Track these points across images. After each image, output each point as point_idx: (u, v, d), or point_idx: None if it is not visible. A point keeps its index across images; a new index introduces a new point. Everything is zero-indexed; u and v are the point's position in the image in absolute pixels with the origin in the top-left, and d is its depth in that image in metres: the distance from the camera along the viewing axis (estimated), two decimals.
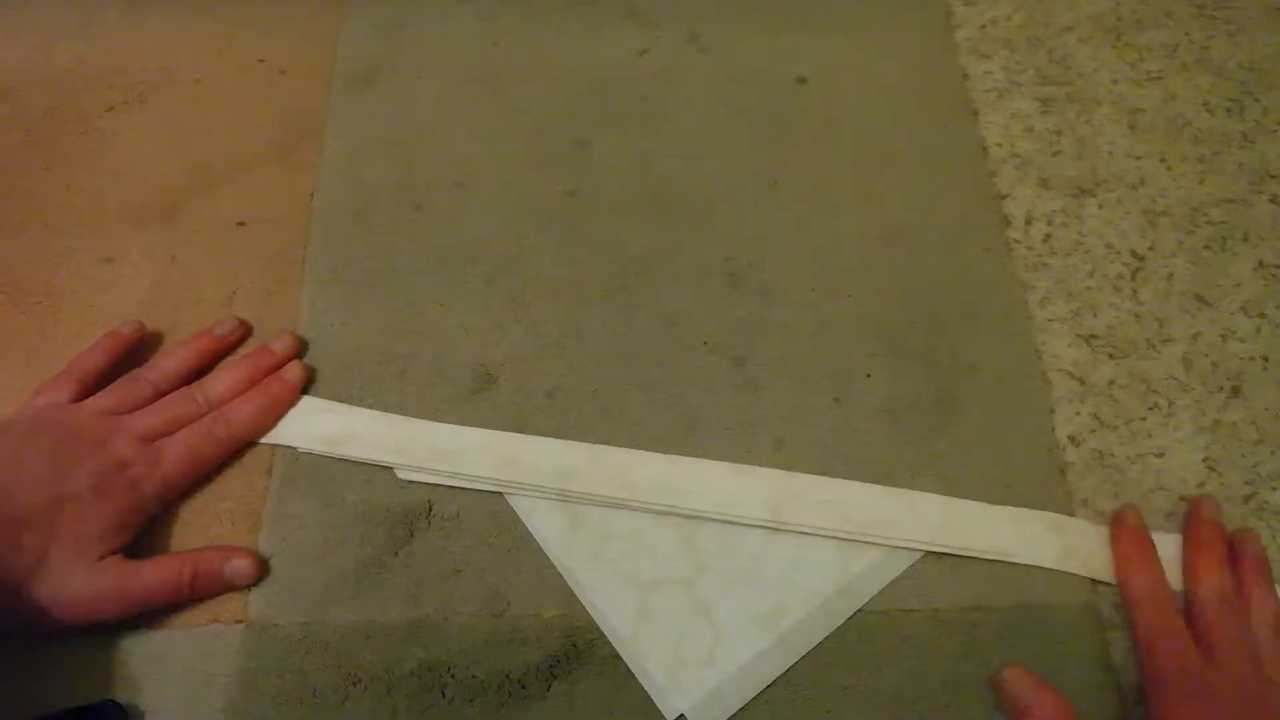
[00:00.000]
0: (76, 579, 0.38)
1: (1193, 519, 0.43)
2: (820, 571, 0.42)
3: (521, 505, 0.44)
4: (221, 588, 0.42)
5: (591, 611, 0.42)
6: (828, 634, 0.41)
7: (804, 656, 0.41)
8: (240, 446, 0.45)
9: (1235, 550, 0.42)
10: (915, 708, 0.40)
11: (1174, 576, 0.42)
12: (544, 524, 0.44)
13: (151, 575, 0.40)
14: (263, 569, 0.42)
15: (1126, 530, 0.43)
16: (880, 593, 0.42)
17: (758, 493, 0.44)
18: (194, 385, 0.45)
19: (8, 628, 0.38)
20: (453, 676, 0.41)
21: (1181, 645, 0.40)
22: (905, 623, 0.42)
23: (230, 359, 0.48)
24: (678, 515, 0.44)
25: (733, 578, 0.42)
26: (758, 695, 0.40)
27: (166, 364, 0.46)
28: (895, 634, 0.42)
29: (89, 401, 0.44)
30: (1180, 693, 0.38)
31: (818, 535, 0.43)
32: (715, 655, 0.41)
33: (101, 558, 0.39)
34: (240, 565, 0.41)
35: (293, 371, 0.46)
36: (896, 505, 0.44)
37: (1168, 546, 0.43)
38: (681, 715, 0.40)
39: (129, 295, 0.51)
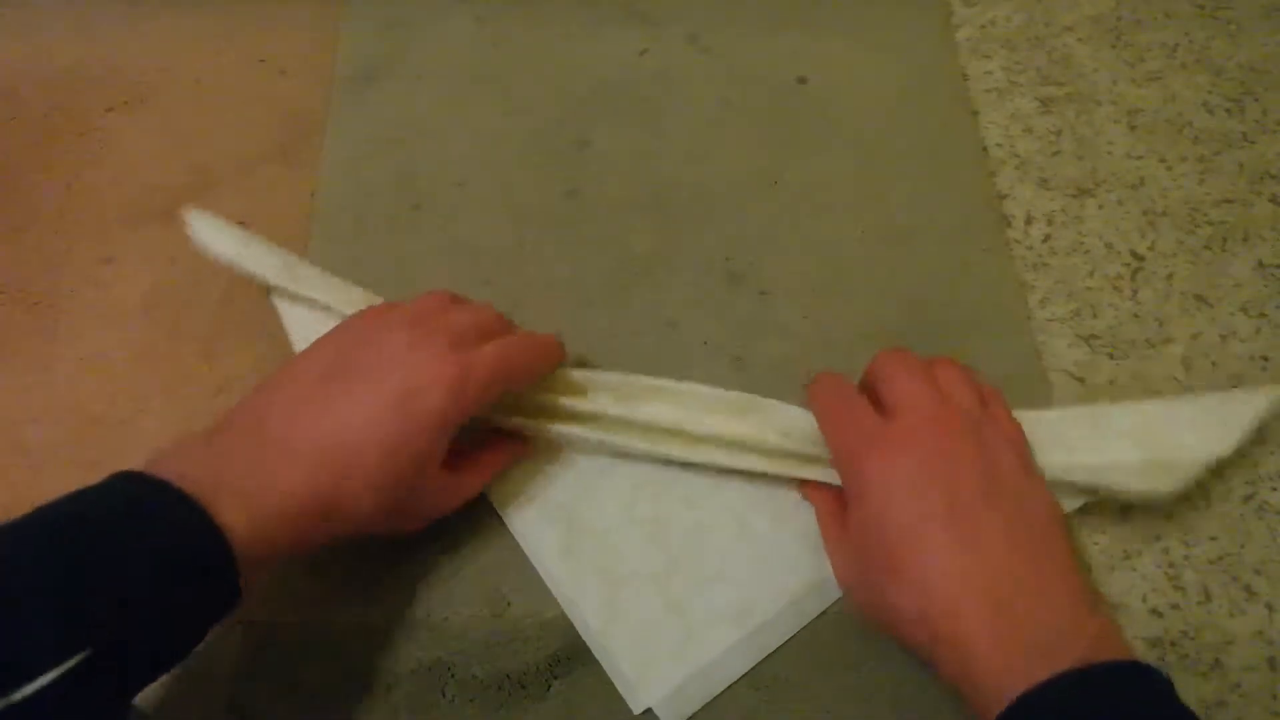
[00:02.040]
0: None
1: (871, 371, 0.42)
2: (792, 569, 0.42)
3: (498, 496, 0.44)
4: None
5: (563, 604, 0.42)
6: (797, 631, 0.41)
7: (803, 656, 0.41)
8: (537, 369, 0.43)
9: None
10: (915, 707, 0.40)
11: None
12: (517, 518, 0.44)
13: (468, 486, 0.42)
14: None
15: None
16: None
17: (754, 420, 0.44)
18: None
19: (394, 527, 0.40)
20: (453, 676, 0.41)
21: (859, 409, 0.39)
22: None
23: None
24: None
25: (704, 574, 0.42)
26: (758, 695, 0.40)
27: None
28: None
29: (400, 308, 0.42)
30: (861, 451, 0.37)
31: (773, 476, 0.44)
32: (684, 651, 0.41)
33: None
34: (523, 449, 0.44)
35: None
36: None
37: None
38: (648, 711, 0.40)
39: (129, 295, 0.51)
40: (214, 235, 0.48)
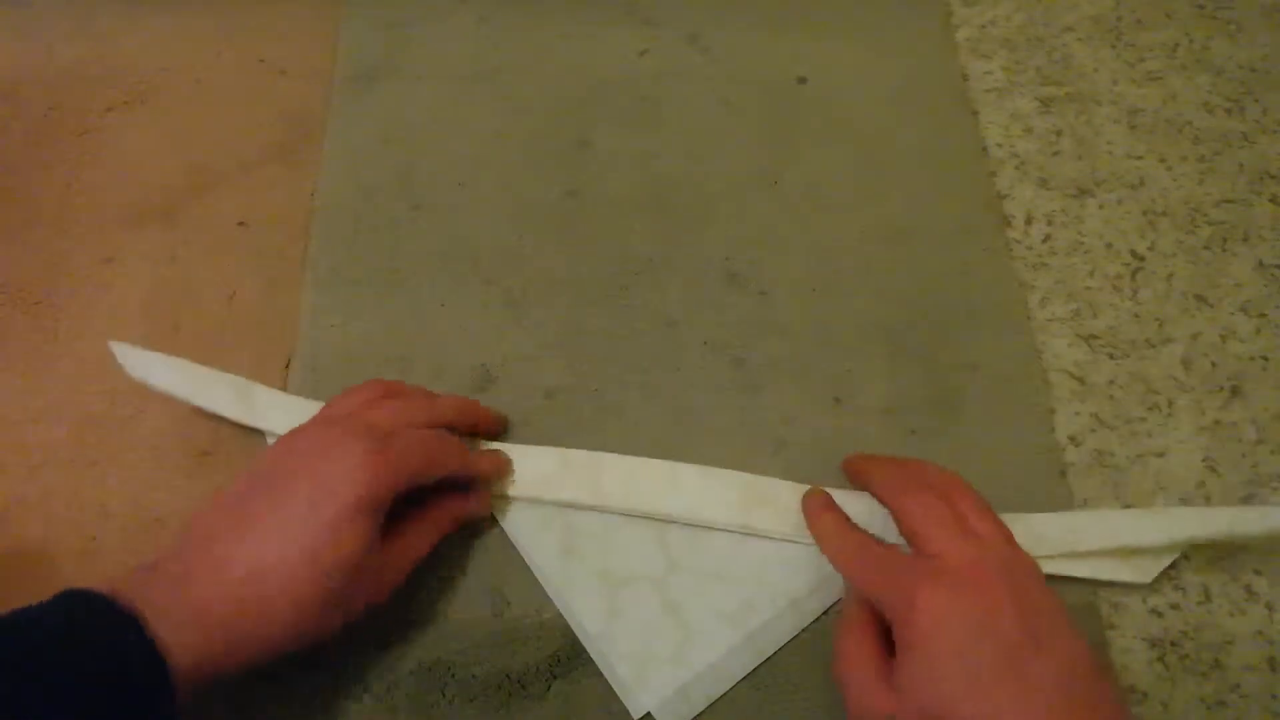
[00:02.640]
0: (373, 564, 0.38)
1: (857, 467, 0.43)
2: (791, 571, 0.42)
3: (495, 501, 0.44)
4: (474, 515, 0.43)
5: (560, 607, 0.42)
6: (797, 633, 0.41)
7: (803, 656, 0.41)
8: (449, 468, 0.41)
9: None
10: None
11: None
12: (515, 520, 0.44)
13: (418, 544, 0.40)
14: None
15: (809, 497, 0.43)
16: None
17: (728, 497, 0.44)
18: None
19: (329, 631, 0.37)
20: (453, 676, 0.41)
21: (885, 553, 0.38)
22: None
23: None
24: (648, 519, 0.44)
25: (703, 576, 0.42)
26: (757, 695, 0.40)
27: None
28: None
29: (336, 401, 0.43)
30: (908, 587, 0.35)
31: (785, 541, 0.43)
32: (683, 653, 0.41)
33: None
34: (477, 509, 0.43)
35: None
36: (866, 507, 0.43)
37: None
38: (648, 715, 0.40)
39: (129, 295, 0.51)
40: (149, 368, 0.45)
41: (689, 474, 0.44)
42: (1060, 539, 0.42)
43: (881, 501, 0.40)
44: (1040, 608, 0.35)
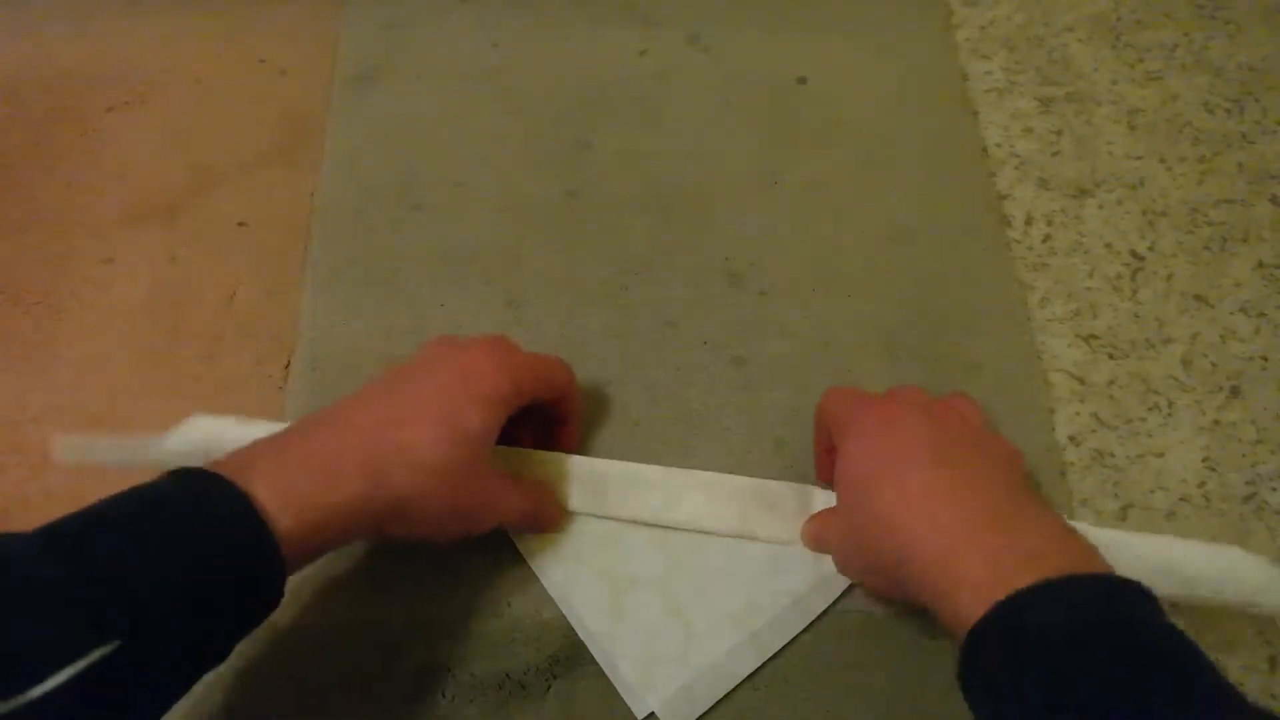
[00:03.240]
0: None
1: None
2: (793, 569, 0.42)
3: None
4: (539, 530, 0.43)
5: (563, 609, 0.42)
6: (801, 630, 0.41)
7: (803, 656, 0.41)
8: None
9: None
10: (915, 707, 0.40)
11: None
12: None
13: (512, 499, 0.41)
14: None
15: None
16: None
17: (729, 508, 0.43)
18: None
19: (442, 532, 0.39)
20: (453, 676, 0.41)
21: (853, 394, 0.42)
22: (905, 623, 0.42)
23: None
24: (649, 524, 0.43)
25: (706, 576, 0.42)
26: (757, 695, 0.40)
27: None
28: (895, 634, 0.42)
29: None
30: (852, 408, 0.40)
31: (787, 545, 0.43)
32: (687, 653, 0.41)
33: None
34: (552, 523, 0.43)
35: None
36: None
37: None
38: (651, 715, 0.40)
39: (129, 295, 0.51)
40: (91, 452, 0.42)
41: (689, 484, 0.44)
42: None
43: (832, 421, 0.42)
44: (974, 425, 0.40)
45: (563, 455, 0.44)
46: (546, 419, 0.44)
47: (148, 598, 0.29)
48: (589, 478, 0.44)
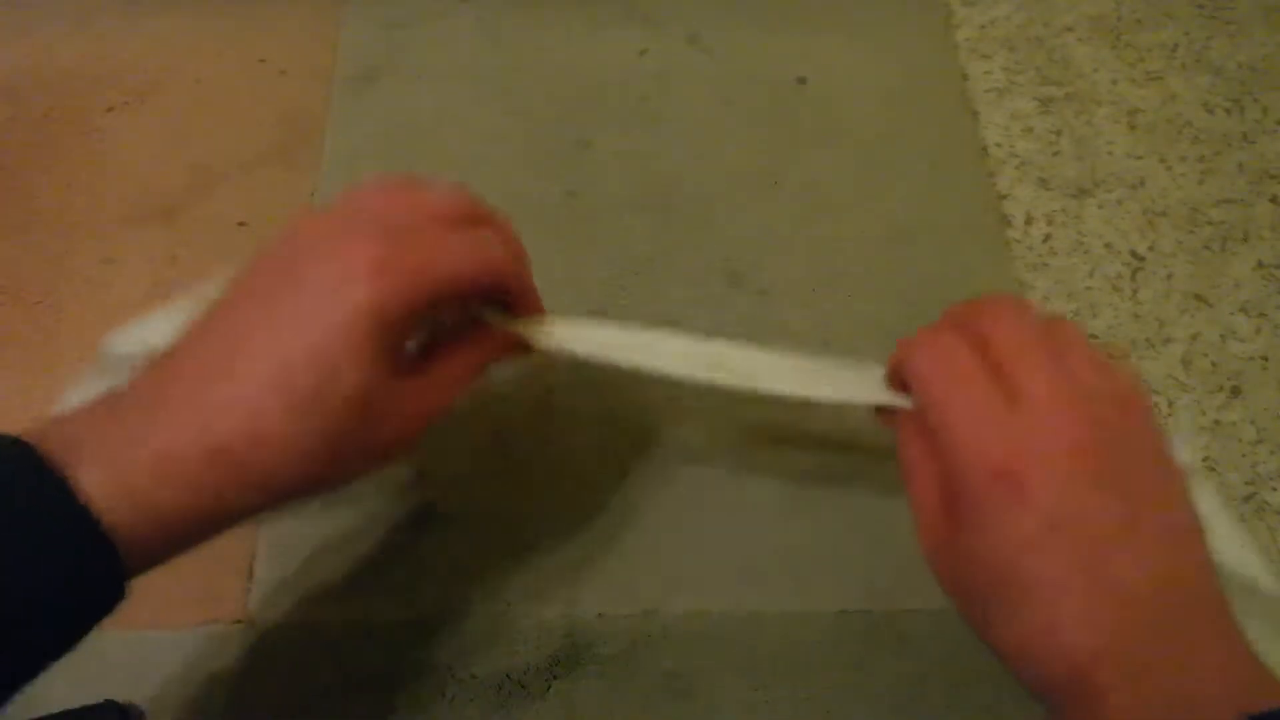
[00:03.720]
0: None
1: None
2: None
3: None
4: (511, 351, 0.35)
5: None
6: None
7: (803, 655, 0.41)
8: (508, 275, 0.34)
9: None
10: (915, 708, 0.40)
11: None
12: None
13: (441, 390, 0.32)
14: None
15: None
16: (880, 593, 0.42)
17: (781, 365, 0.38)
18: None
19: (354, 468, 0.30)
20: (453, 676, 0.41)
21: (981, 388, 0.29)
22: (905, 623, 0.42)
23: None
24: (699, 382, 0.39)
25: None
26: (756, 694, 0.40)
27: None
28: (895, 634, 0.42)
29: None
30: (990, 449, 0.28)
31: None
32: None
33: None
34: (524, 334, 0.35)
35: None
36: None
37: None
38: None
39: (129, 295, 0.51)
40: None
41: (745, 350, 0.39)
42: None
43: (972, 320, 0.32)
44: (1148, 487, 0.29)
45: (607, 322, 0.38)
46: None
47: None
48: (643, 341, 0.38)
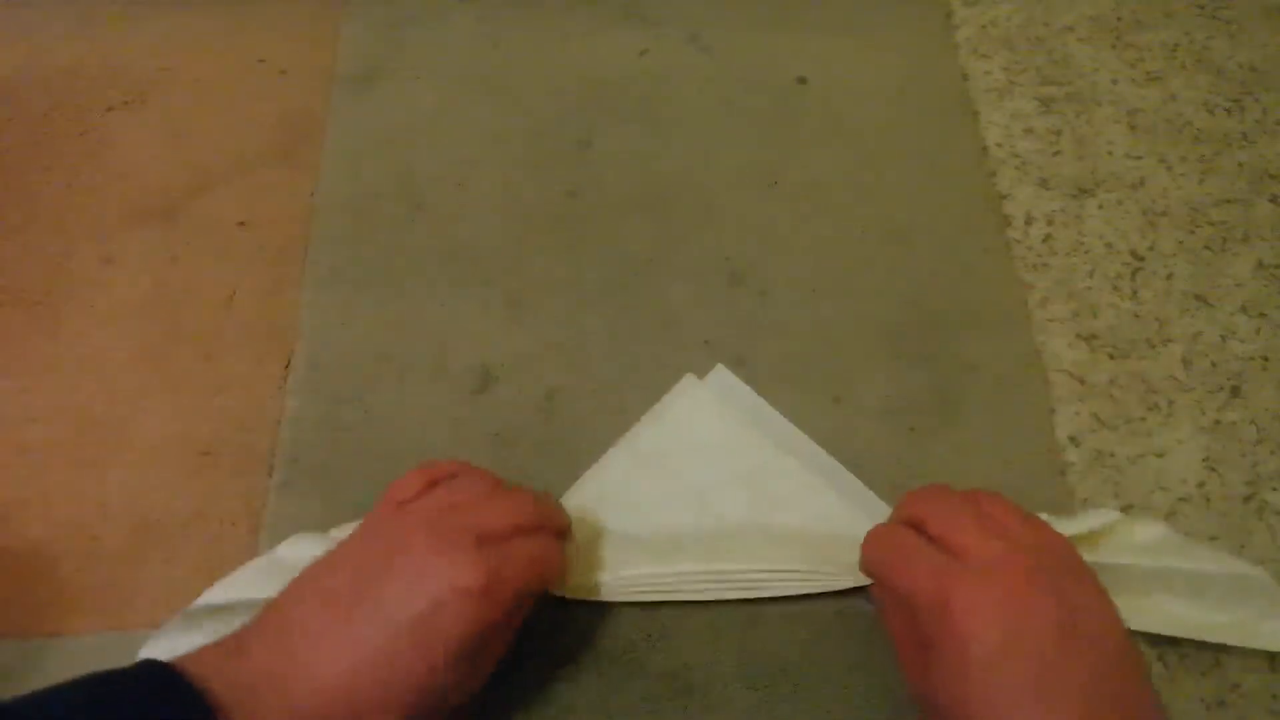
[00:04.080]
0: None
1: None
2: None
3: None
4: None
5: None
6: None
7: (804, 656, 0.41)
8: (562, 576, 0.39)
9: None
10: (915, 707, 0.40)
11: None
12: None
13: (509, 632, 0.36)
14: None
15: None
16: None
17: (791, 568, 0.42)
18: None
19: None
20: None
21: (924, 550, 0.35)
22: None
23: None
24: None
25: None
26: (756, 695, 0.40)
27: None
28: None
29: (428, 497, 0.37)
30: (943, 588, 0.33)
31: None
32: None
33: None
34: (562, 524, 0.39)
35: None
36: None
37: None
38: None
39: (129, 295, 0.51)
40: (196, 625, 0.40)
41: (745, 549, 0.42)
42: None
43: (907, 513, 0.38)
44: (1076, 604, 0.33)
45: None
46: None
47: None
48: (625, 544, 0.43)
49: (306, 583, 0.35)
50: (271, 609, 0.34)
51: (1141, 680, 0.33)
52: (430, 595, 0.33)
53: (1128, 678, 0.33)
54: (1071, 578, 0.34)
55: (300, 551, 0.40)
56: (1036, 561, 0.34)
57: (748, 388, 0.47)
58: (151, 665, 0.31)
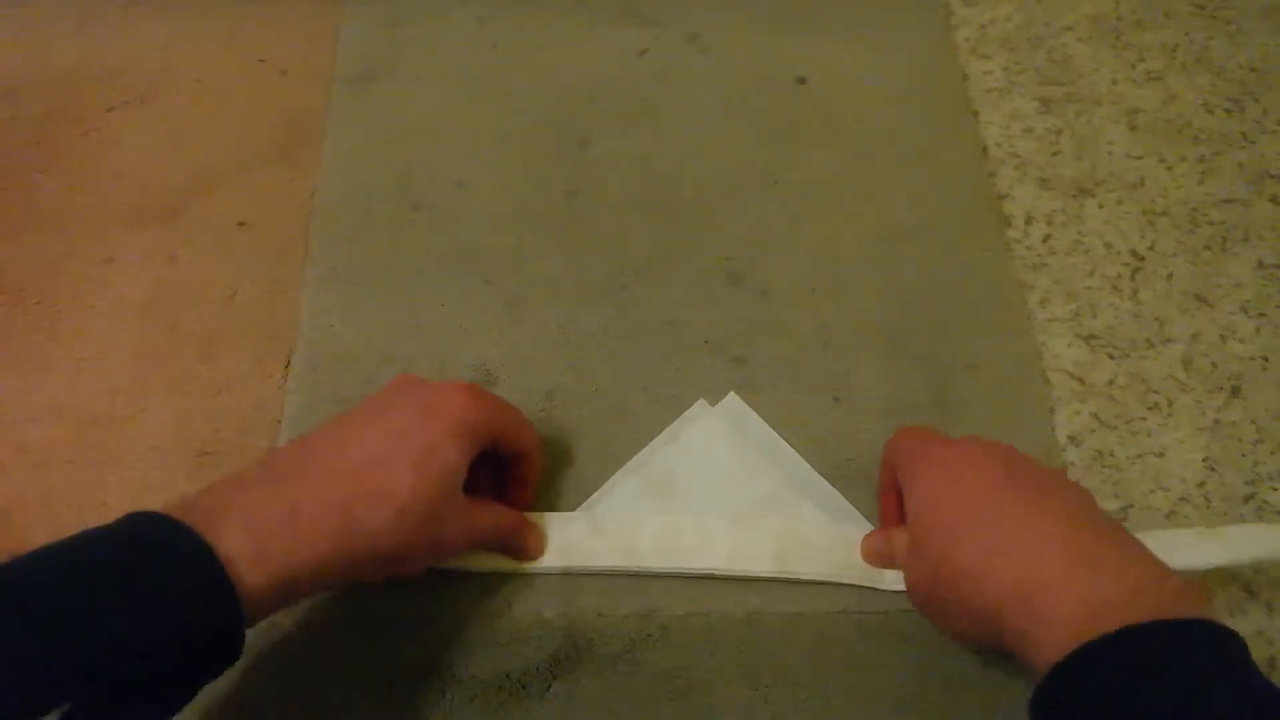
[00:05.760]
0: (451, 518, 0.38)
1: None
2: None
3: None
4: (511, 553, 0.42)
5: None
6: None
7: (805, 655, 0.41)
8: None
9: None
10: (915, 708, 0.40)
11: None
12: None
13: (485, 519, 0.40)
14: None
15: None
16: (880, 593, 0.42)
17: (765, 549, 0.43)
18: None
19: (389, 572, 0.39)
20: (453, 676, 0.41)
21: (922, 436, 0.41)
22: (905, 623, 0.42)
23: None
24: (686, 575, 0.43)
25: None
26: (757, 694, 0.40)
27: None
28: (895, 634, 0.42)
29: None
30: (924, 444, 0.40)
31: (825, 583, 0.42)
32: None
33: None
34: (534, 548, 0.42)
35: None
36: None
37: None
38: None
39: (129, 295, 0.51)
40: None
41: (723, 528, 0.43)
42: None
43: (893, 464, 0.42)
44: (1054, 475, 0.38)
45: (587, 515, 0.44)
46: (504, 470, 0.43)
47: (101, 660, 0.28)
48: (617, 532, 0.43)
49: (310, 432, 0.38)
50: (276, 451, 0.38)
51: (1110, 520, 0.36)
52: (428, 399, 0.38)
53: (1106, 517, 0.36)
54: (1027, 459, 0.38)
55: None
56: (1010, 455, 0.38)
57: (759, 418, 0.47)
58: (148, 517, 0.31)
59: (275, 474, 0.35)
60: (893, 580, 0.42)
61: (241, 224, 0.53)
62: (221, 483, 0.34)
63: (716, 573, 0.42)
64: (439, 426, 0.37)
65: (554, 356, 0.49)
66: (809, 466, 0.45)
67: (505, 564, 0.42)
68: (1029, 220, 0.53)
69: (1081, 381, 0.48)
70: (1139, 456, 0.46)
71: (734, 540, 0.43)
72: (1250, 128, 0.56)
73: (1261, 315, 0.50)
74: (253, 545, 0.32)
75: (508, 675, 0.41)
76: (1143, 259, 0.52)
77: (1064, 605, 0.32)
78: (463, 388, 0.39)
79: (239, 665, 0.40)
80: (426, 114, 0.57)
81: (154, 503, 0.45)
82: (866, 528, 0.44)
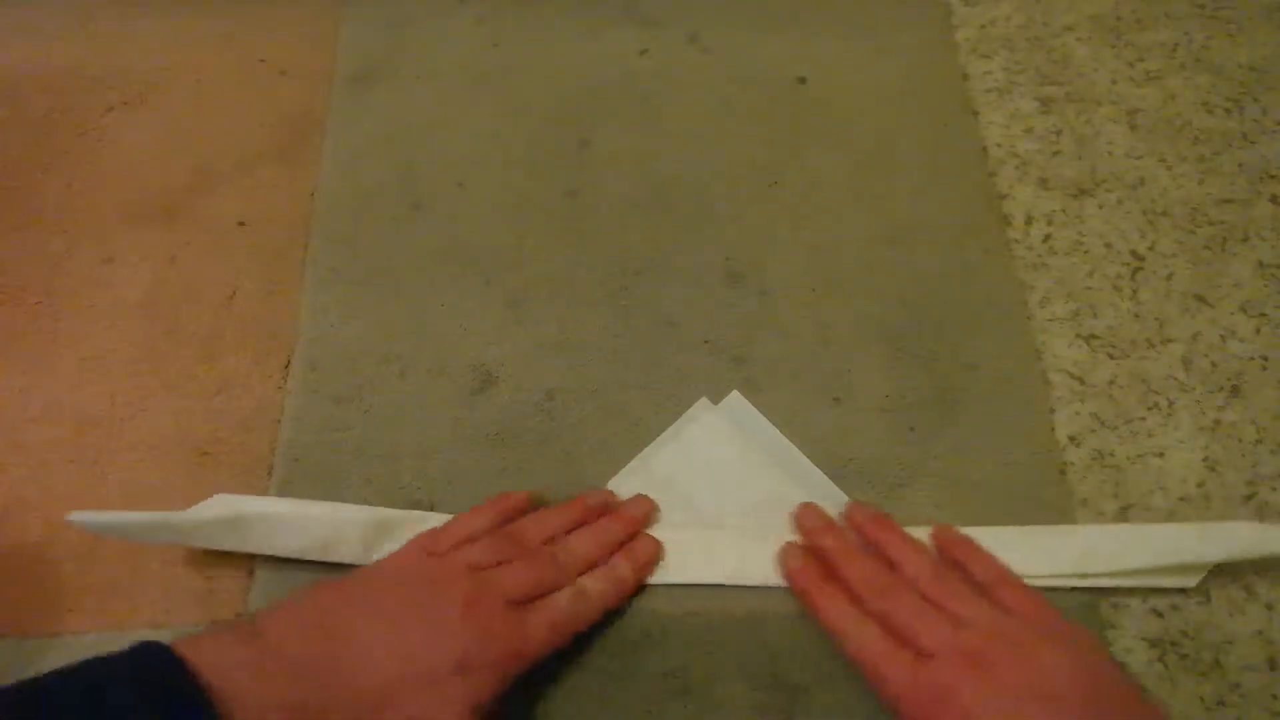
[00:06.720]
0: None
1: (804, 538, 0.43)
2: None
3: None
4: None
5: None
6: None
7: (812, 662, 0.41)
8: (587, 627, 0.40)
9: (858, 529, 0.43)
10: None
11: None
12: None
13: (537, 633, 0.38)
14: None
15: (788, 554, 0.42)
16: None
17: (767, 556, 0.43)
18: (556, 547, 0.41)
19: None
20: None
21: (895, 662, 0.37)
22: None
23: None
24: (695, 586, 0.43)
25: None
26: (757, 695, 0.40)
27: (535, 531, 0.42)
28: None
29: (459, 553, 0.39)
30: (920, 707, 0.35)
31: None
32: None
33: None
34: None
35: (645, 550, 0.42)
36: None
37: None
38: None
39: (129, 295, 0.51)
40: (108, 527, 0.41)
41: (727, 542, 0.43)
42: (1073, 560, 0.42)
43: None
44: (1043, 665, 0.35)
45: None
46: None
47: None
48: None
49: (353, 589, 0.37)
50: (306, 607, 0.36)
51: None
52: (461, 653, 0.36)
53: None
54: (1035, 641, 0.36)
55: (222, 510, 0.41)
56: (1005, 644, 0.36)
57: (762, 416, 0.47)
58: (149, 649, 0.31)
59: (297, 671, 0.33)
60: None
61: (241, 224, 0.53)
62: (250, 645, 0.33)
63: (723, 583, 0.43)
64: (462, 702, 0.35)
65: (554, 356, 0.49)
66: (812, 465, 0.45)
67: None
68: (1029, 220, 0.53)
69: (1081, 381, 0.48)
70: (1139, 456, 0.46)
71: (739, 553, 0.43)
72: (1250, 128, 0.56)
73: (1261, 315, 0.50)
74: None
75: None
76: (1143, 259, 0.52)
77: None
78: (501, 657, 0.36)
79: None
80: (426, 114, 0.57)
81: (155, 502, 0.45)
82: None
